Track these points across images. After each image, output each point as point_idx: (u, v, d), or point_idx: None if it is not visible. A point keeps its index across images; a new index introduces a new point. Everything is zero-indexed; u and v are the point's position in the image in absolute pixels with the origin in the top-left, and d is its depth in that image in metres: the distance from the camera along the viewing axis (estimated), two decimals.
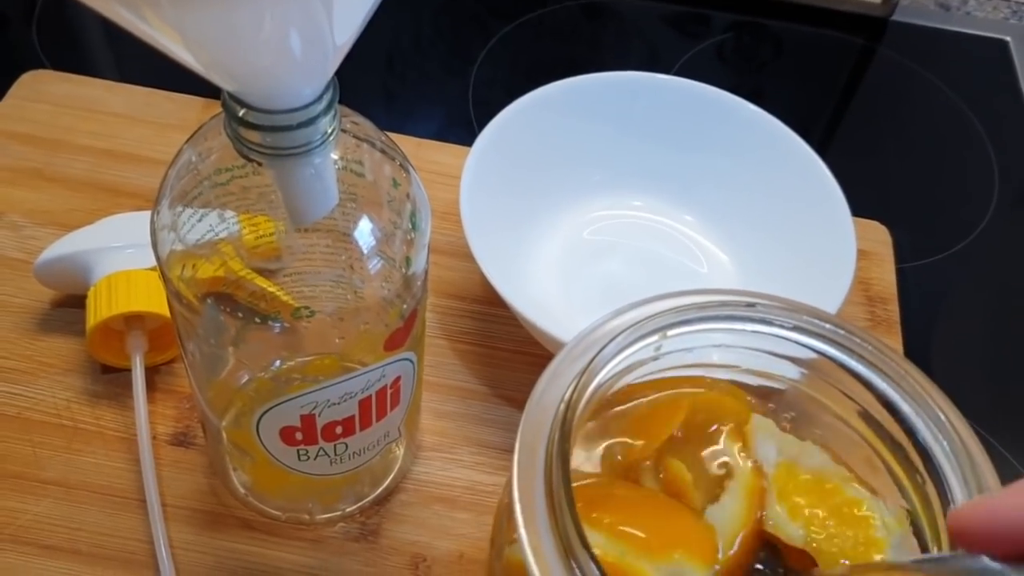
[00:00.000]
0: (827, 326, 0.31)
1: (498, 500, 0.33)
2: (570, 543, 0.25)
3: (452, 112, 0.65)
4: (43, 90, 0.57)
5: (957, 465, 0.28)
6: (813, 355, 0.31)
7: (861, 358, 0.30)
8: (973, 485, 0.27)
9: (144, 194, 0.53)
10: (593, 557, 0.25)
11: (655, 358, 0.31)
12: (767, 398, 0.33)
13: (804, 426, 0.33)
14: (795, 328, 0.31)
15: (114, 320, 0.43)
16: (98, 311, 0.43)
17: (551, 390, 0.29)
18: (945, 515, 0.28)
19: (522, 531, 0.26)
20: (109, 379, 0.45)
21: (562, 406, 0.28)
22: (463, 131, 0.64)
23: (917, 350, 0.54)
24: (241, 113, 0.27)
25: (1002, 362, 0.57)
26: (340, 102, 0.29)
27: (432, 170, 0.55)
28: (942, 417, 0.29)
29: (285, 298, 0.33)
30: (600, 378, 0.29)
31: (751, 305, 0.31)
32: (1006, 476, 0.50)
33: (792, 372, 0.32)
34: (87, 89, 0.57)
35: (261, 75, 0.26)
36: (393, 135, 0.55)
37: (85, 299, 0.44)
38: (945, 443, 0.29)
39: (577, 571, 0.25)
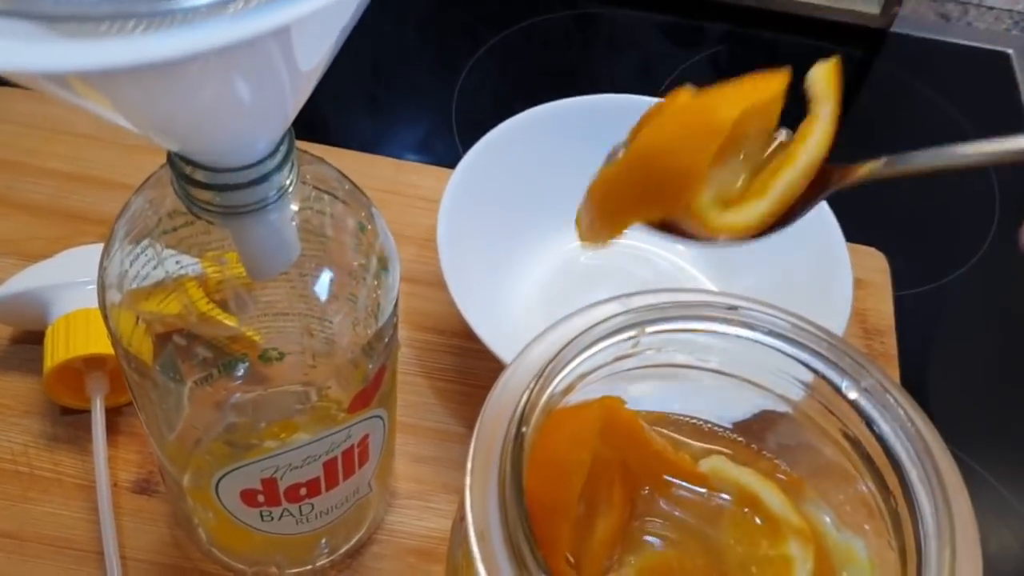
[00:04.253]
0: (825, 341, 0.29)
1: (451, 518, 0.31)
2: (524, 562, 0.24)
3: (435, 122, 0.63)
4: (6, 109, 0.54)
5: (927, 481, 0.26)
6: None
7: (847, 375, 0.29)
8: (939, 498, 0.25)
9: (110, 221, 0.50)
10: (547, 572, 0.24)
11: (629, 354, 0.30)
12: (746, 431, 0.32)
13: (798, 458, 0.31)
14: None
15: (73, 361, 0.41)
16: (55, 353, 0.41)
17: (510, 388, 0.28)
18: (916, 543, 0.26)
19: (475, 547, 0.24)
20: (69, 421, 0.43)
21: (518, 409, 0.26)
22: (445, 141, 0.61)
23: (913, 379, 0.52)
24: (188, 171, 0.25)
25: (1001, 393, 0.55)
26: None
27: (412, 194, 0.53)
28: (902, 414, 0.27)
29: (243, 347, 0.31)
30: (560, 378, 0.28)
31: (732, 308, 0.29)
32: (997, 511, 0.49)
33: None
34: (52, 108, 0.55)
35: (207, 133, 0.24)
36: (372, 156, 0.54)
37: (44, 335, 0.42)
38: (908, 444, 0.27)
39: None
